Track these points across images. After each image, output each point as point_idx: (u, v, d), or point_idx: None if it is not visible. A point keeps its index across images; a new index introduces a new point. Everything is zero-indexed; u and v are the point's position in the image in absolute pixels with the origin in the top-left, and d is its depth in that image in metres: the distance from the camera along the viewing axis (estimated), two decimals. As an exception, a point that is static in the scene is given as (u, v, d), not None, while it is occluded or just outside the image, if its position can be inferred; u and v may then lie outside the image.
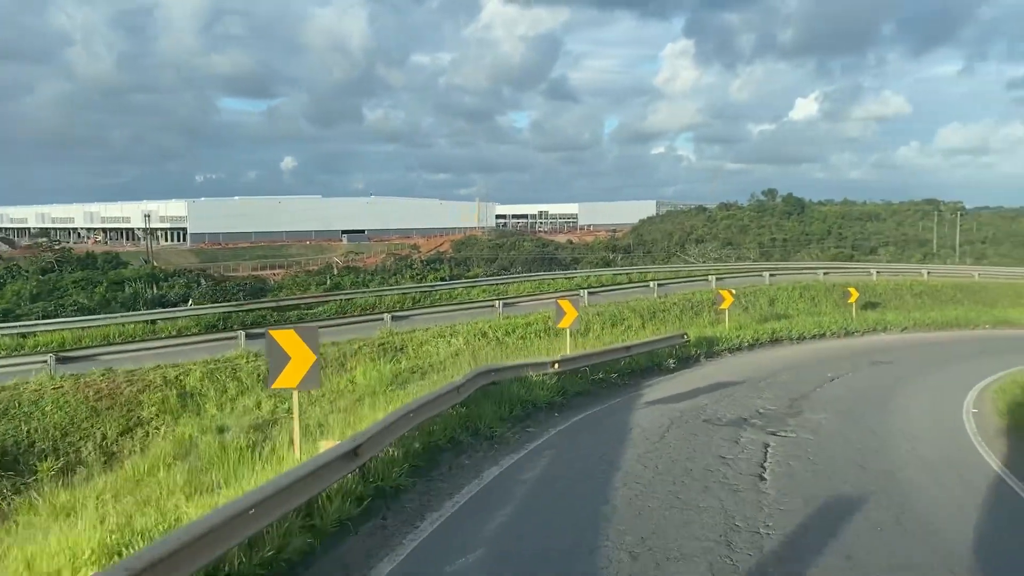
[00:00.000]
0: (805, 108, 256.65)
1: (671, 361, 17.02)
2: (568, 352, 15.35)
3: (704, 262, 52.48)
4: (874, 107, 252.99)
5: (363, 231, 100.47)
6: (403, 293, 27.80)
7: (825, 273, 32.36)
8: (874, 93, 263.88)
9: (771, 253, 70.44)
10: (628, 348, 16.02)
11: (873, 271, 33.92)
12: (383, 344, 18.70)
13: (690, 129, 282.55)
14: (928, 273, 33.90)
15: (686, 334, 18.70)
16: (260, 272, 61.09)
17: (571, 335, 17.15)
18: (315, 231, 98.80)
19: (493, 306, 23.32)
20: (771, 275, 31.09)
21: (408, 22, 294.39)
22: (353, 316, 22.61)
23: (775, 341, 21.97)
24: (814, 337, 23.42)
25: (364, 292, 27.71)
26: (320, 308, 24.69)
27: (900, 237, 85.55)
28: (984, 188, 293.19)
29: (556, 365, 13.22)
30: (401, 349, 18.72)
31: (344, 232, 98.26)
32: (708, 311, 24.84)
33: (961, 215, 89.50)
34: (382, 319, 20.84)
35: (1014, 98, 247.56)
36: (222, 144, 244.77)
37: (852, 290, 26.85)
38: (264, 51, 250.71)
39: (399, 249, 70.56)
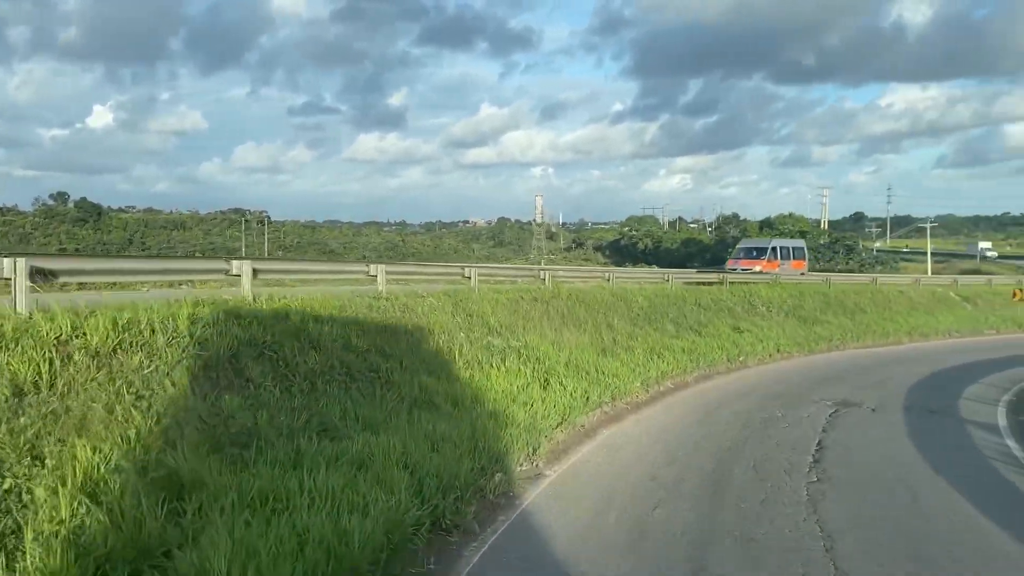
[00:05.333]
0: (103, 116, 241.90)
1: None
2: None
3: None
4: (172, 121, 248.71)
5: None
6: None
7: (515, 281, 17.22)
8: (171, 107, 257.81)
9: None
10: None
11: (544, 274, 18.05)
12: None
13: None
14: (650, 277, 23.58)
15: None
16: None
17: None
18: None
19: None
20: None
21: None
22: None
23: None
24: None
25: None
26: None
27: (208, 245, 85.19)
28: (283, 203, 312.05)
29: None
30: None
31: None
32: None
33: (267, 224, 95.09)
34: None
35: (296, 124, 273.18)
36: None
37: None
38: None
39: None
